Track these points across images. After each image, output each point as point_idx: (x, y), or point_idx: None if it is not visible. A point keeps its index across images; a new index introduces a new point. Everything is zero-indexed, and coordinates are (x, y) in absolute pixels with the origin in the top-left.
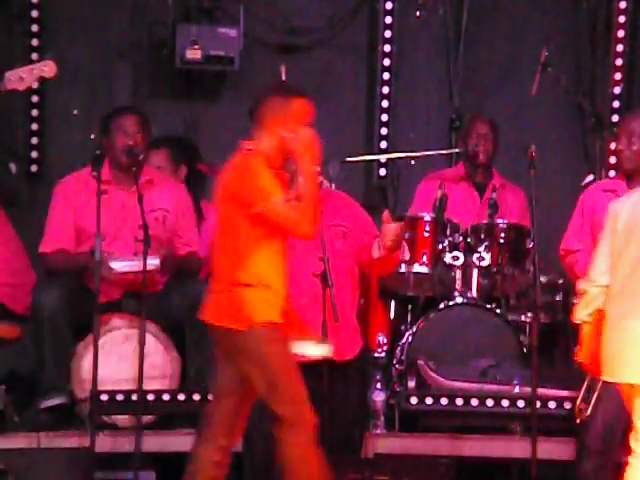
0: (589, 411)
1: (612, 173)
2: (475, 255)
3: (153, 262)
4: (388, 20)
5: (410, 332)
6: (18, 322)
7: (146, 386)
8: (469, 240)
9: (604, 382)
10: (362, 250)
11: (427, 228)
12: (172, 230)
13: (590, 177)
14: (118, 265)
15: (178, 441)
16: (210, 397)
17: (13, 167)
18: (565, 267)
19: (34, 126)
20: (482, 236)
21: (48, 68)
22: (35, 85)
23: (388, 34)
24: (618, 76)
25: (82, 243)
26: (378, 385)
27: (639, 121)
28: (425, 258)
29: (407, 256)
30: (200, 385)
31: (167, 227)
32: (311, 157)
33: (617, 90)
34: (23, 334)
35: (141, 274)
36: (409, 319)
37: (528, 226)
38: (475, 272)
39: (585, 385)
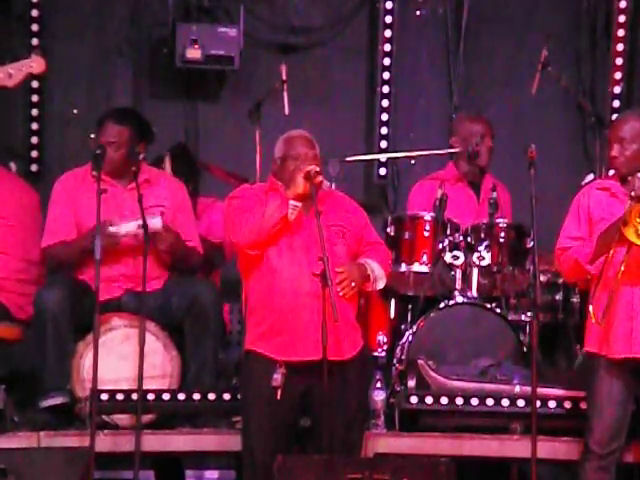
0: None
1: (612, 172)
2: (475, 254)
3: (156, 221)
4: (388, 20)
5: (410, 331)
6: (19, 324)
7: (146, 385)
8: (469, 239)
9: (607, 383)
10: (358, 251)
11: (427, 227)
12: (171, 227)
13: (590, 176)
14: (120, 228)
15: (178, 441)
16: (210, 396)
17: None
18: (562, 264)
19: (34, 125)
20: (482, 235)
21: (36, 64)
22: (19, 80)
23: (388, 34)
24: (618, 75)
25: None
26: (378, 384)
27: (628, 126)
28: (425, 257)
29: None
30: (200, 384)
31: (165, 222)
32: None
33: (617, 89)
34: (23, 335)
35: (145, 233)
36: (409, 318)
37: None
38: (475, 271)
39: None
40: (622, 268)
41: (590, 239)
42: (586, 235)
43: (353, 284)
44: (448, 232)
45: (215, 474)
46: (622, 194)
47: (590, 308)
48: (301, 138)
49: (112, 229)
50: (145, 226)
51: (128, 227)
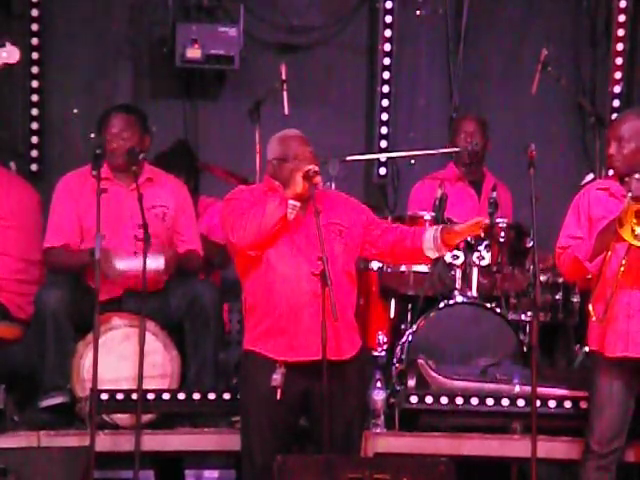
0: None
1: (611, 172)
2: (475, 254)
3: (158, 263)
4: (388, 19)
5: (410, 331)
6: (19, 324)
7: (146, 385)
8: (469, 239)
9: (608, 382)
10: (367, 245)
11: (427, 227)
12: (172, 227)
13: (590, 176)
14: (123, 265)
15: (178, 440)
16: (210, 396)
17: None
18: (562, 263)
19: (34, 125)
20: (482, 235)
21: (9, 54)
22: None
23: (388, 33)
24: (618, 75)
25: (82, 240)
26: (378, 384)
27: (627, 125)
28: None
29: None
30: (200, 384)
31: (167, 224)
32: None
33: (617, 89)
34: (23, 334)
35: (144, 274)
36: (409, 318)
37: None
38: (475, 271)
39: None
40: (622, 269)
41: (590, 238)
42: (586, 235)
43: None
44: None
45: (215, 474)
46: (621, 194)
47: (590, 307)
48: (297, 138)
49: (109, 269)
50: (145, 225)
51: (127, 266)
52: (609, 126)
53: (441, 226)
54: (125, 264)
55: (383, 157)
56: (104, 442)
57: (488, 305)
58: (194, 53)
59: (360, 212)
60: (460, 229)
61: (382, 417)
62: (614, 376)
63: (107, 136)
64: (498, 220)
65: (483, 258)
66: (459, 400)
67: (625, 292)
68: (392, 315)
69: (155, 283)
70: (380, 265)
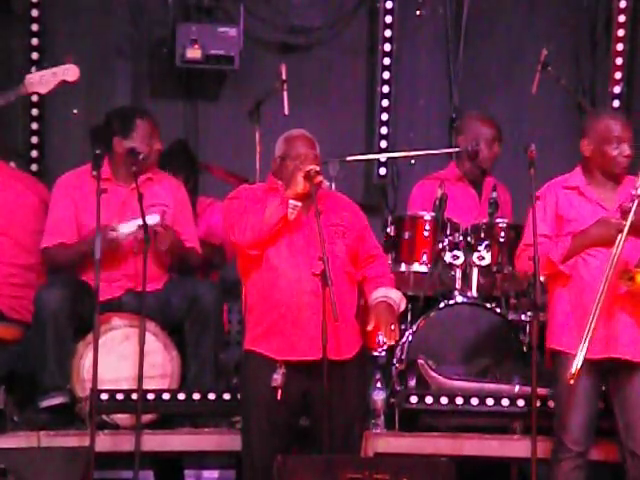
0: None
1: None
2: (475, 254)
3: (154, 219)
4: (388, 19)
5: (410, 331)
6: (16, 324)
7: (146, 385)
8: (469, 239)
9: (583, 380)
10: (356, 256)
11: (427, 227)
12: (171, 226)
13: None
14: (125, 228)
15: (178, 440)
16: (210, 396)
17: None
18: (524, 260)
19: (34, 125)
20: (482, 235)
21: (71, 72)
22: (51, 87)
23: (388, 33)
24: (618, 75)
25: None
26: (378, 384)
27: (624, 125)
28: (425, 257)
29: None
30: (200, 384)
31: (167, 222)
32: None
33: (617, 89)
34: (21, 336)
35: (145, 232)
36: (409, 318)
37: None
38: (475, 271)
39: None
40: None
41: (560, 238)
42: (553, 233)
43: (393, 327)
44: (448, 232)
45: (215, 474)
46: (590, 193)
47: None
48: (302, 138)
49: (113, 234)
50: (145, 226)
51: (129, 228)
52: (623, 127)
53: (379, 300)
54: (126, 227)
55: (383, 157)
56: (104, 442)
57: (488, 305)
58: (194, 53)
59: (360, 218)
60: (375, 322)
61: (382, 417)
62: (588, 375)
63: (142, 139)
64: (498, 220)
65: (483, 258)
66: (459, 400)
67: (609, 294)
68: None
69: (155, 246)
70: None
